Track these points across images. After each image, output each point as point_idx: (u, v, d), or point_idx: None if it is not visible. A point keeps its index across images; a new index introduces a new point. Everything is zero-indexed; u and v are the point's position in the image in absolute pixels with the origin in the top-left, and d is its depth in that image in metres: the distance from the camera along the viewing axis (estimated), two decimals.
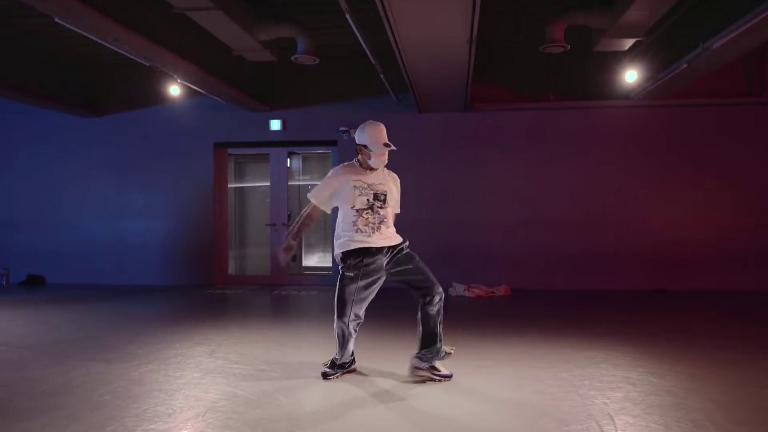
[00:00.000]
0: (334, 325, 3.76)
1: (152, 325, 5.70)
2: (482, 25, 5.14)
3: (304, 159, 10.98)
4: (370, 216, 3.67)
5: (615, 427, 2.90)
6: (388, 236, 3.73)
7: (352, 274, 3.67)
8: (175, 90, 7.91)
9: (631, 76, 6.87)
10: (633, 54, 6.85)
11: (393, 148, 3.68)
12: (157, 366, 4.08)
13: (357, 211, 3.66)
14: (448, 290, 7.85)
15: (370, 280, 3.69)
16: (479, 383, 3.72)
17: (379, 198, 3.70)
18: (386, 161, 3.76)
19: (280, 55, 6.73)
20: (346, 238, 3.69)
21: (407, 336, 4.47)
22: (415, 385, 3.69)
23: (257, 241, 10.19)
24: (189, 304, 7.22)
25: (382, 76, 6.79)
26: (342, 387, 3.66)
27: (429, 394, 3.52)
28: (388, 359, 4.28)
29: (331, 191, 3.74)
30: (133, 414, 3.13)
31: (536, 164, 8.32)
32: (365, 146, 3.66)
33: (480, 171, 8.43)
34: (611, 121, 8.11)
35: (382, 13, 4.44)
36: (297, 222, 3.81)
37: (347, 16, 4.63)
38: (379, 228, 3.69)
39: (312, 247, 11.01)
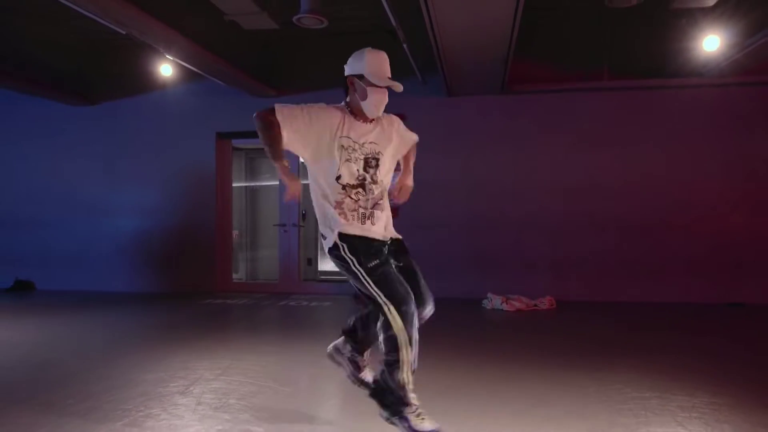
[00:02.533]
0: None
1: (130, 346, 4.70)
2: None
3: None
4: (360, 197, 2.61)
5: None
6: (384, 223, 2.68)
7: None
8: (166, 69, 6.94)
9: (712, 42, 5.60)
10: (716, 13, 5.56)
11: (398, 85, 2.58)
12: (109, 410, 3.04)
13: (344, 187, 2.59)
14: (482, 302, 6.74)
15: None
16: None
17: (371, 165, 2.64)
18: (382, 108, 2.67)
19: (283, 26, 5.68)
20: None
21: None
22: None
23: (269, 243, 9.24)
24: (179, 319, 6.22)
25: (406, 48, 5.71)
26: None
27: None
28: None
29: (307, 127, 2.58)
30: None
31: (586, 155, 7.11)
32: (360, 77, 2.60)
33: (519, 163, 7.26)
34: (680, 104, 6.86)
35: None
36: (265, 141, 2.65)
37: None
38: (371, 214, 2.63)
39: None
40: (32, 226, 8.30)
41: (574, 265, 7.08)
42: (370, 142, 2.67)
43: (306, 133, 2.59)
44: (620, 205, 7.04)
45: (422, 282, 2.62)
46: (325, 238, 2.66)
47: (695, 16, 5.72)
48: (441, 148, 7.19)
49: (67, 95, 7.81)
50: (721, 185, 6.88)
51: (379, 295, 2.46)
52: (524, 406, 3.14)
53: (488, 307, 6.62)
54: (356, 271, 2.52)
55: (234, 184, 8.59)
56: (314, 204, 2.73)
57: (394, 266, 2.59)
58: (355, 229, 2.58)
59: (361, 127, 2.67)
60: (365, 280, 2.50)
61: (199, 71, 6.54)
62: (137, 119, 8.09)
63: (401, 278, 2.53)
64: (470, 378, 3.73)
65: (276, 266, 8.52)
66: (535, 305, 6.61)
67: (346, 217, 2.59)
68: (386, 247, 2.63)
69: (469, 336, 5.23)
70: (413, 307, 2.44)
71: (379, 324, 2.49)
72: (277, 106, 2.61)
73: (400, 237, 2.73)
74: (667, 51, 6.48)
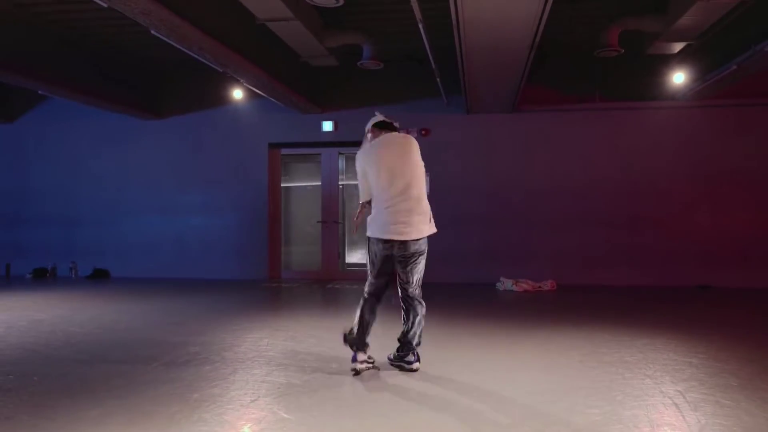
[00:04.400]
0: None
1: (231, 317, 6.12)
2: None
3: (348, 159, 11.31)
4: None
5: (687, 402, 3.19)
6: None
7: None
8: (238, 94, 8.36)
9: (678, 77, 7.10)
10: (681, 57, 7.07)
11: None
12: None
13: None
14: (495, 285, 8.17)
15: None
16: (549, 365, 4.03)
17: None
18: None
19: (341, 63, 7.11)
20: None
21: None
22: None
23: (300, 239, 10.51)
24: (253, 299, 7.64)
25: (438, 79, 7.11)
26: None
27: (514, 376, 3.85)
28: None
29: None
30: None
31: (581, 163, 8.57)
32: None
33: (526, 169, 8.71)
34: (656, 122, 8.33)
35: (454, 22, 4.77)
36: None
37: (419, 25, 4.97)
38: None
39: (355, 245, 11.33)
40: (109, 223, 9.70)
41: (571, 254, 8.53)
42: None
43: None
44: (609, 204, 8.48)
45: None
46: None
47: (665, 59, 7.20)
48: (460, 157, 8.65)
49: (141, 110, 9.18)
50: (690, 188, 8.34)
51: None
52: (538, 346, 4.60)
53: (501, 289, 8.04)
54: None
55: None
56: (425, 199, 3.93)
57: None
58: None
59: None
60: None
61: (264, 95, 7.94)
62: (201, 131, 9.50)
63: None
64: (494, 339, 5.18)
65: (307, 259, 9.86)
66: (540, 287, 8.04)
67: None
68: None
69: (488, 310, 6.68)
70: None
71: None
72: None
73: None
74: (646, 82, 7.97)
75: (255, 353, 4.34)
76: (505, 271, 8.37)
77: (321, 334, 5.01)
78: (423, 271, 3.89)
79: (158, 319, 5.99)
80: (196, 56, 5.98)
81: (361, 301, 3.89)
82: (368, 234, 3.87)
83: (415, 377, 3.73)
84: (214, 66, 6.45)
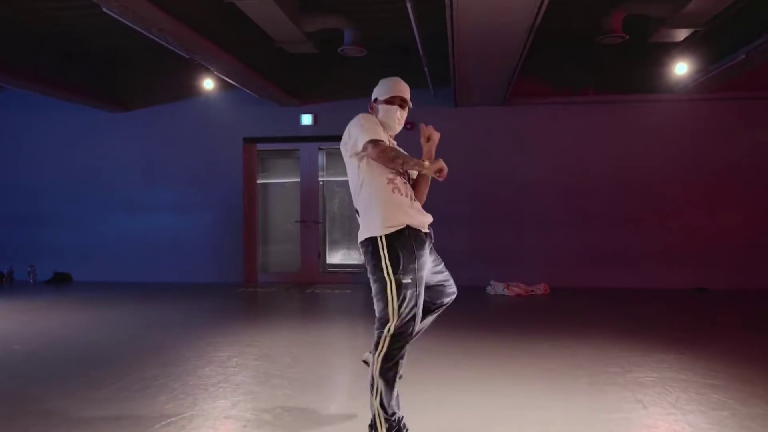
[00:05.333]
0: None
1: (191, 327, 5.54)
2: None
3: (328, 155, 10.77)
4: (405, 185, 2.78)
5: None
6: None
7: None
8: (209, 84, 7.73)
9: (681, 68, 6.66)
10: (685, 45, 6.63)
11: (408, 101, 2.82)
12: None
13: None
14: (486, 289, 7.70)
15: None
16: (554, 390, 3.55)
17: None
18: (400, 124, 2.81)
19: (320, 48, 6.53)
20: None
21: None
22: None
23: (280, 238, 10.00)
24: (224, 306, 7.06)
25: (426, 68, 6.60)
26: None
27: (514, 392, 3.36)
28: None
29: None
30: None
31: (574, 159, 8.13)
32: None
33: (517, 166, 8.24)
34: (653, 116, 7.91)
35: (447, 2, 4.24)
36: (399, 162, 2.60)
37: (408, 4, 4.44)
38: (413, 203, 2.82)
39: (336, 244, 10.83)
40: (71, 223, 9.00)
41: (564, 255, 8.09)
42: None
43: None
44: (604, 203, 8.06)
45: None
46: None
47: (668, 48, 6.76)
48: (448, 153, 8.04)
49: (106, 102, 8.52)
50: (688, 186, 7.94)
51: None
52: (537, 364, 4.11)
53: (491, 293, 7.58)
54: None
55: None
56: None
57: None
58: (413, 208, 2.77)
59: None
60: None
61: (238, 85, 7.33)
62: (171, 124, 8.85)
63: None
64: (490, 355, 4.69)
65: (286, 259, 9.33)
66: (532, 291, 7.60)
67: None
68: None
69: (481, 317, 6.19)
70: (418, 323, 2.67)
71: None
72: (371, 139, 2.59)
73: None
74: (644, 73, 7.53)
75: (221, 377, 3.78)
76: (495, 273, 7.91)
77: (297, 352, 4.48)
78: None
79: (117, 331, 5.41)
80: (157, 39, 5.37)
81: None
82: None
83: (407, 405, 3.17)
84: (179, 52, 5.84)
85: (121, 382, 3.66)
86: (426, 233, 2.70)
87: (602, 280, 8.00)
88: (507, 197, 8.24)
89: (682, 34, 5.97)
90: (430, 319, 2.82)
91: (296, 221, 9.10)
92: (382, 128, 2.69)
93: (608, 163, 8.05)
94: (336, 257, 10.86)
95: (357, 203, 2.73)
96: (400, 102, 2.77)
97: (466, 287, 7.81)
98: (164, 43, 5.49)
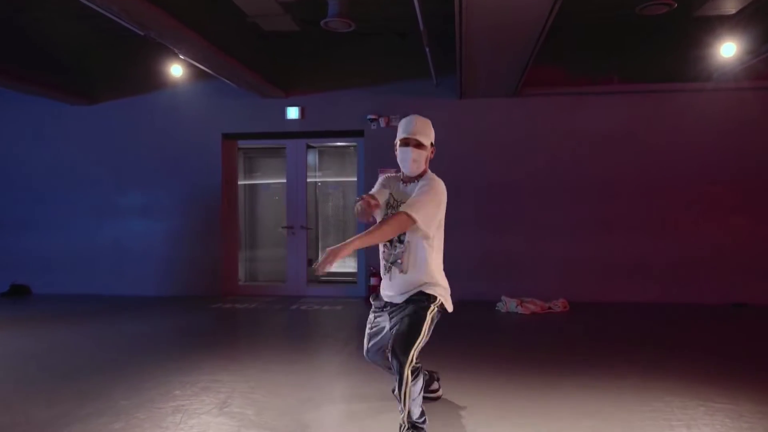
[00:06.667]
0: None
1: (146, 357, 4.58)
2: None
3: (321, 153, 9.87)
4: (386, 250, 2.88)
5: None
6: (399, 284, 2.83)
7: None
8: (177, 70, 6.78)
9: (728, 49, 5.68)
10: (735, 21, 5.64)
11: (413, 137, 2.82)
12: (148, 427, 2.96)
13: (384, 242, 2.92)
14: (496, 305, 6.75)
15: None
16: None
17: None
18: (411, 163, 2.85)
19: (302, 28, 5.58)
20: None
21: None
22: None
23: (269, 243, 9.13)
24: (193, 325, 6.10)
25: (427, 50, 5.66)
26: None
27: None
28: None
29: (375, 191, 2.99)
30: None
31: (596, 158, 7.17)
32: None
33: (530, 165, 7.28)
34: (689, 109, 6.95)
35: None
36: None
37: None
38: (390, 269, 2.86)
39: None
40: (31, 228, 8.06)
41: (585, 266, 7.13)
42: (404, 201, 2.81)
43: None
44: (629, 207, 7.10)
45: (393, 339, 2.71)
46: None
47: (712, 24, 5.80)
48: (450, 150, 7.15)
49: (69, 94, 7.58)
50: (727, 188, 6.97)
51: None
52: (573, 408, 3.15)
53: (503, 310, 6.62)
54: None
55: None
56: None
57: (388, 325, 2.89)
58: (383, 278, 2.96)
59: (404, 187, 2.90)
60: None
61: (211, 72, 6.40)
62: (142, 119, 7.90)
63: (376, 333, 2.97)
64: (507, 385, 3.73)
65: (275, 267, 8.43)
66: (550, 308, 6.64)
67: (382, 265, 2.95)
68: (389, 306, 2.90)
69: (493, 341, 5.23)
70: (366, 358, 3.09)
71: None
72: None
73: (428, 293, 2.82)
74: (678, 57, 6.55)
75: None
76: (506, 287, 6.96)
77: (264, 396, 3.51)
78: None
79: (57, 359, 4.47)
80: (104, 12, 4.42)
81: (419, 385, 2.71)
82: (446, 303, 2.93)
83: None
84: (132, 28, 4.88)
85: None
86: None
87: (628, 294, 7.04)
88: (519, 200, 7.27)
89: (736, 5, 4.98)
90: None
91: (282, 227, 8.14)
92: (379, 186, 2.98)
93: (635, 162, 7.09)
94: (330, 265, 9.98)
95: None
96: (406, 142, 2.86)
97: (473, 303, 6.98)
98: (112, 16, 4.54)
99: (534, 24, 4.67)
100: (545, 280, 7.10)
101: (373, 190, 2.93)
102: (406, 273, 2.77)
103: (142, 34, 4.86)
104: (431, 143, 2.89)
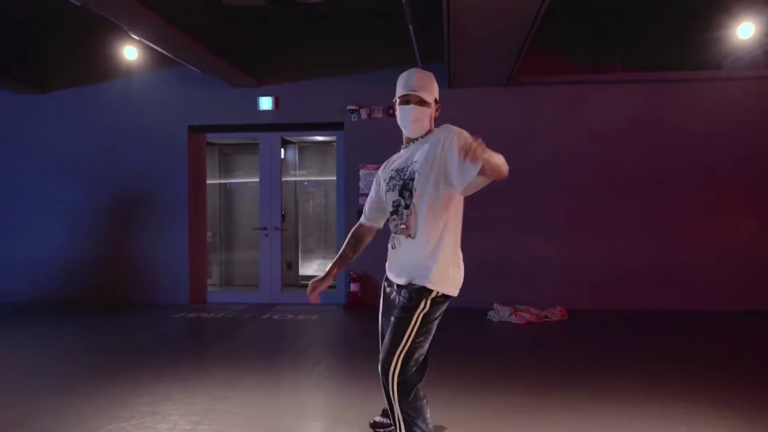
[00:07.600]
0: None
1: (79, 382, 3.90)
2: None
3: (301, 150, 9.27)
4: (394, 220, 2.42)
5: None
6: (404, 262, 2.33)
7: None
8: (130, 52, 6.10)
9: (746, 30, 5.11)
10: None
11: (413, 93, 2.38)
12: None
13: (390, 213, 2.45)
14: (488, 314, 6.15)
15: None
16: None
17: (408, 188, 2.35)
18: (413, 123, 2.42)
19: (269, 4, 4.94)
20: None
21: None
22: None
23: (247, 245, 8.51)
24: (145, 340, 5.43)
25: (412, 32, 5.06)
26: None
27: None
28: None
29: (373, 195, 2.61)
30: None
31: (596, 153, 6.62)
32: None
33: (525, 161, 6.66)
34: (699, 99, 6.42)
35: None
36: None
37: None
38: (398, 243, 2.38)
39: (311, 252, 9.37)
40: None
41: (584, 271, 6.56)
42: (414, 162, 2.38)
43: (373, 199, 2.62)
44: (634, 207, 6.56)
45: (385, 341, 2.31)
46: None
47: (727, 2, 5.24)
48: None
49: (16, 82, 6.88)
50: (739, 187, 6.45)
51: None
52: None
53: (495, 320, 6.03)
54: None
55: (207, 182, 7.79)
56: None
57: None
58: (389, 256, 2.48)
59: (405, 152, 2.47)
60: None
61: (171, 56, 5.73)
62: (98, 109, 7.21)
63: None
64: (494, 411, 3.11)
65: (253, 270, 7.81)
66: (546, 317, 6.07)
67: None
68: (395, 290, 2.40)
69: (487, 359, 4.61)
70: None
71: None
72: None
73: (419, 286, 2.30)
74: (687, 42, 5.99)
75: None
76: (499, 294, 6.36)
77: None
78: None
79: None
80: None
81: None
82: (446, 289, 2.38)
83: None
84: (79, 3, 4.22)
85: None
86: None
87: (632, 301, 6.48)
88: (512, 198, 6.67)
89: None
90: None
91: (254, 228, 7.49)
92: (374, 186, 2.64)
93: (640, 158, 6.53)
94: (310, 268, 9.41)
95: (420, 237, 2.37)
96: (406, 100, 2.45)
97: (462, 311, 6.31)
98: None
99: (529, 3, 4.13)
100: (541, 286, 6.53)
101: (371, 195, 2.61)
102: (413, 237, 2.32)
103: (78, 4, 4.18)
104: (435, 99, 2.47)
